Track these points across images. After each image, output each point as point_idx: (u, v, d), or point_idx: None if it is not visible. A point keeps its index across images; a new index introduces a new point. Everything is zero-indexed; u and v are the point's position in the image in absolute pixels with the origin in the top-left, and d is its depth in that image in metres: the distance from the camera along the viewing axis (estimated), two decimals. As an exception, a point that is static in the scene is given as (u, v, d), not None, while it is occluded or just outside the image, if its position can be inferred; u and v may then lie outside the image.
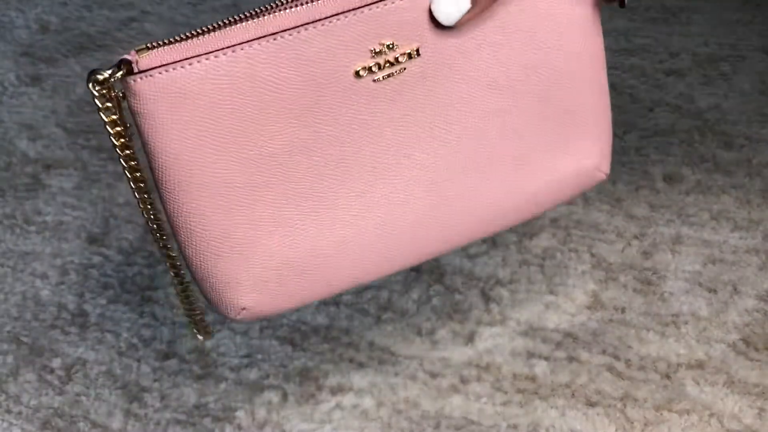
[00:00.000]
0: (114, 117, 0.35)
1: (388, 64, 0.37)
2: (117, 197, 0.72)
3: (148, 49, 0.33)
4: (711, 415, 0.51)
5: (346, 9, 0.35)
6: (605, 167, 0.44)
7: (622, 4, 0.40)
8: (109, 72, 0.33)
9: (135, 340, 0.58)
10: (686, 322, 0.57)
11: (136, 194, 0.38)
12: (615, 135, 0.75)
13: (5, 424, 0.53)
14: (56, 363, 0.57)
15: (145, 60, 0.33)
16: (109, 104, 0.35)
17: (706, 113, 0.78)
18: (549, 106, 0.41)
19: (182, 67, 0.33)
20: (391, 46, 0.36)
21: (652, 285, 0.60)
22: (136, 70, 0.33)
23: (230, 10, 1.06)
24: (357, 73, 0.36)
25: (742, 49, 0.88)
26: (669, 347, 0.55)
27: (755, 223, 0.65)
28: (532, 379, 0.54)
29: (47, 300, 0.62)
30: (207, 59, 0.34)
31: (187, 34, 0.34)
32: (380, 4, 0.36)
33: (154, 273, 0.63)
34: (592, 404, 0.52)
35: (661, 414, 0.51)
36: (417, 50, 0.37)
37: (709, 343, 0.55)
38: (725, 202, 0.67)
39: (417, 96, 0.38)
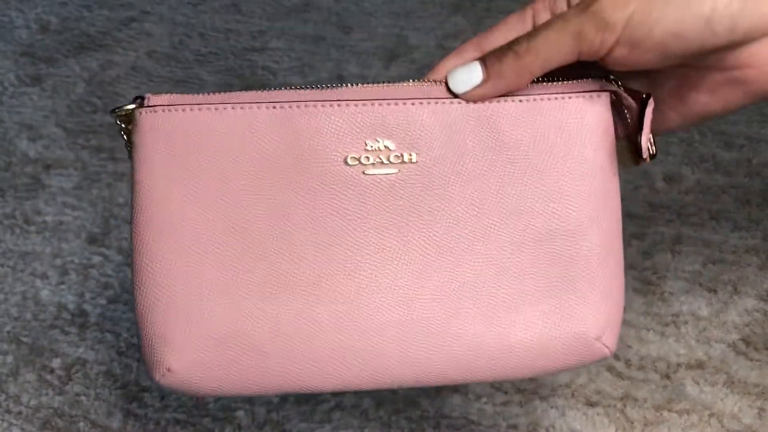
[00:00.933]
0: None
1: (380, 162, 0.36)
2: (117, 197, 0.72)
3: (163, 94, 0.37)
4: (711, 415, 0.51)
5: (350, 98, 0.36)
6: (610, 341, 0.37)
7: (640, 157, 0.37)
8: (128, 106, 0.36)
9: (135, 340, 0.58)
10: (686, 322, 0.57)
11: None
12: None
13: (5, 424, 0.53)
14: (56, 363, 0.57)
15: (155, 98, 0.36)
16: (130, 135, 0.37)
17: (706, 113, 0.78)
18: (548, 255, 0.36)
19: (183, 110, 0.36)
20: (387, 146, 0.36)
21: (652, 285, 0.60)
22: (146, 104, 0.36)
23: (230, 9, 1.06)
24: (347, 161, 0.36)
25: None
26: (669, 347, 0.55)
27: (755, 223, 0.65)
28: (532, 379, 0.54)
29: (47, 300, 0.62)
30: (208, 109, 0.35)
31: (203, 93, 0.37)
32: (387, 102, 0.36)
33: (154, 273, 0.63)
34: (592, 404, 0.52)
35: (661, 414, 0.51)
36: (413, 157, 0.36)
37: (709, 343, 0.55)
38: (725, 202, 0.67)
39: (405, 204, 0.36)
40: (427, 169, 0.36)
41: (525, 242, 0.36)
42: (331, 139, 0.36)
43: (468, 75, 0.36)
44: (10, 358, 0.57)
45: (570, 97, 0.36)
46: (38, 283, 0.63)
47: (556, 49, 0.34)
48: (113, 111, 0.36)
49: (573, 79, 0.37)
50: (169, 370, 0.36)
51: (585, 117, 0.36)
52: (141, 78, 0.92)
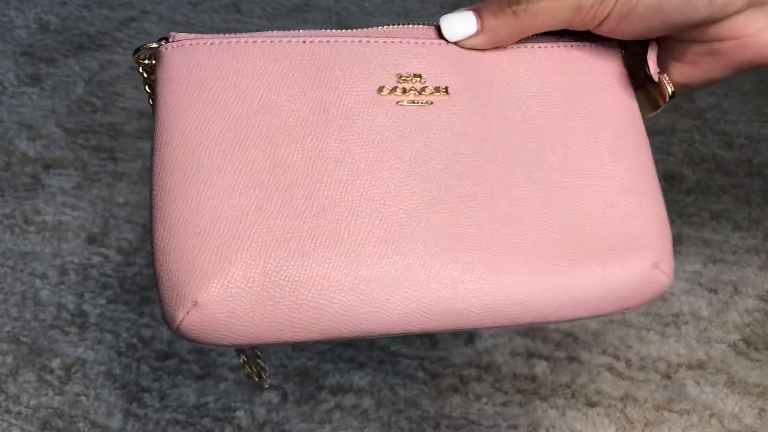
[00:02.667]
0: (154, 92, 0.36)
1: (413, 91, 0.36)
2: (117, 197, 0.72)
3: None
4: (711, 415, 0.51)
5: (378, 36, 0.36)
6: (667, 267, 0.36)
7: (655, 107, 0.39)
8: (152, 45, 0.35)
9: (135, 340, 0.58)
10: (686, 322, 0.57)
11: None
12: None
13: (5, 424, 0.53)
14: (56, 363, 0.57)
15: (181, 35, 0.35)
16: (151, 76, 0.36)
17: (706, 113, 0.78)
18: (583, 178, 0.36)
19: (212, 42, 0.35)
20: (420, 76, 0.36)
21: (652, 285, 0.60)
22: (171, 40, 0.35)
23: (230, 9, 1.06)
24: (380, 90, 0.35)
25: (742, 48, 0.87)
26: (669, 347, 0.55)
27: (755, 223, 0.64)
28: (532, 379, 0.54)
29: (47, 300, 0.62)
30: (237, 42, 0.35)
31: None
32: (418, 40, 0.36)
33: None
34: (592, 404, 0.52)
35: (662, 414, 0.51)
36: (446, 89, 0.36)
37: (710, 343, 0.55)
38: (725, 202, 0.67)
39: (442, 135, 0.35)
40: (461, 104, 0.36)
41: (566, 173, 0.36)
42: (364, 70, 0.35)
43: (461, 24, 0.36)
44: (9, 358, 0.57)
45: (588, 45, 0.38)
46: (38, 283, 0.63)
47: (553, 16, 0.36)
48: (137, 51, 0.35)
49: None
50: (195, 303, 0.32)
51: (605, 59, 0.38)
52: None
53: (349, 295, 0.33)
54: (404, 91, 0.36)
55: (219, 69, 0.35)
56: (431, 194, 0.34)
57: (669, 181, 0.69)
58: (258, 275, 0.32)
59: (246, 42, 0.35)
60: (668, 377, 0.53)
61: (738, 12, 0.35)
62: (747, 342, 0.55)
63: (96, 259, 0.65)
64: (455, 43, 0.37)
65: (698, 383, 0.53)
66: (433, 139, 0.35)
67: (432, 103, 0.36)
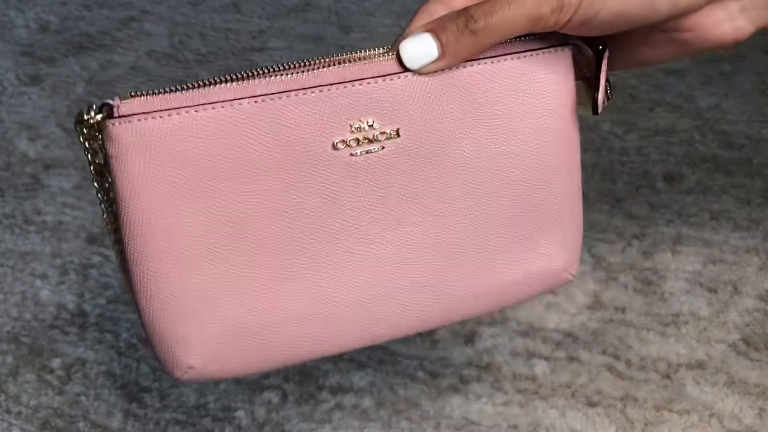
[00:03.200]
0: (97, 161, 0.36)
1: (366, 141, 0.36)
2: (117, 197, 0.72)
3: (132, 97, 0.34)
4: (711, 415, 0.51)
5: (329, 82, 0.35)
6: (573, 269, 0.43)
7: (595, 112, 0.40)
8: (92, 114, 0.34)
9: (135, 340, 0.58)
10: (686, 322, 0.57)
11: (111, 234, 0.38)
12: (615, 135, 0.75)
13: (5, 424, 0.53)
14: (56, 363, 0.57)
15: (126, 105, 0.34)
16: (93, 145, 0.35)
17: (706, 113, 0.78)
18: (521, 204, 0.40)
19: (161, 117, 0.34)
20: (371, 124, 0.36)
21: (652, 285, 0.60)
22: (116, 114, 0.34)
23: (230, 9, 1.06)
24: (334, 146, 0.36)
25: (743, 48, 0.88)
26: (669, 347, 0.55)
27: (755, 223, 0.65)
28: (532, 379, 0.54)
29: (47, 300, 0.62)
30: (187, 112, 0.34)
31: (175, 87, 0.34)
32: (366, 81, 0.36)
33: (154, 273, 0.63)
34: (592, 404, 0.52)
35: (662, 414, 0.51)
36: (397, 131, 0.37)
37: (710, 343, 0.55)
38: (725, 202, 0.67)
39: (393, 177, 0.37)
40: (410, 141, 0.37)
41: (504, 194, 0.40)
42: (318, 126, 0.36)
43: (422, 50, 0.36)
44: (9, 358, 0.57)
45: (537, 54, 0.38)
46: (38, 283, 0.63)
47: (512, 28, 0.35)
48: (78, 122, 0.34)
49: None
50: (190, 367, 0.37)
51: (550, 73, 0.39)
52: (141, 78, 0.92)
53: (320, 324, 0.39)
54: (357, 141, 0.36)
55: (173, 147, 0.34)
56: (387, 235, 0.38)
57: (669, 181, 0.69)
58: (233, 329, 0.37)
59: (197, 111, 0.34)
60: (668, 377, 0.53)
61: (699, 9, 0.37)
62: (747, 342, 0.55)
63: (96, 259, 0.65)
64: (416, 71, 0.36)
65: (698, 383, 0.53)
66: (386, 183, 0.37)
67: (384, 147, 0.37)
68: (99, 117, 0.33)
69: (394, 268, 0.39)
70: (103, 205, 0.37)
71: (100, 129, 0.34)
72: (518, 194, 0.40)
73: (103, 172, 0.36)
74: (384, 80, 0.36)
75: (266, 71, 0.35)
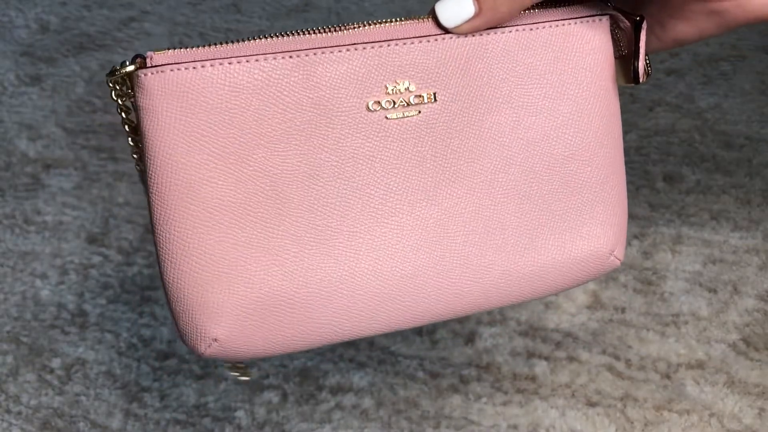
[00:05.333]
0: (130, 117, 0.35)
1: (402, 105, 0.35)
2: (117, 197, 0.72)
3: (167, 51, 0.34)
4: (711, 415, 0.51)
5: (365, 41, 0.35)
6: (620, 253, 0.40)
7: (636, 81, 0.38)
8: (125, 67, 0.33)
9: (135, 340, 0.58)
10: (686, 322, 0.57)
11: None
12: (615, 135, 0.75)
13: (5, 424, 0.53)
14: (56, 363, 0.57)
15: (159, 57, 0.33)
16: (126, 102, 0.34)
17: (706, 113, 0.78)
18: (564, 180, 0.38)
19: (194, 68, 0.33)
20: (407, 86, 0.35)
21: (652, 285, 0.60)
22: (148, 65, 0.33)
23: (230, 9, 1.06)
24: (369, 107, 0.35)
25: (743, 48, 0.88)
26: (669, 347, 0.55)
27: (755, 223, 0.65)
28: (532, 379, 0.54)
29: (47, 300, 0.62)
30: (221, 64, 0.33)
31: (208, 44, 0.34)
32: (402, 42, 0.35)
33: (154, 273, 0.63)
34: (592, 404, 0.52)
35: (661, 414, 0.51)
36: (434, 96, 0.36)
37: (709, 343, 0.55)
38: (725, 202, 0.67)
39: (429, 144, 0.36)
40: (447, 106, 0.36)
41: (542, 169, 0.38)
42: (352, 86, 0.35)
43: (458, 8, 0.35)
44: (9, 358, 0.57)
45: (575, 23, 0.37)
46: (38, 283, 0.63)
47: None
48: (111, 73, 0.33)
49: (570, 4, 0.37)
50: (215, 340, 0.35)
51: (590, 42, 0.37)
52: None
53: (347, 296, 0.36)
54: (393, 104, 0.35)
55: (205, 99, 0.33)
56: (423, 204, 0.36)
57: (669, 181, 0.69)
58: (261, 298, 0.35)
59: (231, 63, 0.33)
60: (668, 377, 0.53)
61: None
62: (747, 342, 0.55)
63: (96, 259, 0.65)
64: (453, 30, 0.35)
65: (698, 383, 0.53)
66: (421, 150, 0.36)
67: (420, 112, 0.36)
68: (131, 68, 0.33)
69: (430, 241, 0.37)
70: (138, 166, 0.36)
71: (132, 82, 0.33)
72: (560, 170, 0.38)
73: (137, 130, 0.35)
74: (421, 41, 0.35)
75: (301, 31, 0.35)
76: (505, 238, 0.38)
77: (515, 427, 0.51)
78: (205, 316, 0.35)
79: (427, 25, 0.36)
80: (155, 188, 0.34)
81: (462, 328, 0.57)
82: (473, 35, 0.36)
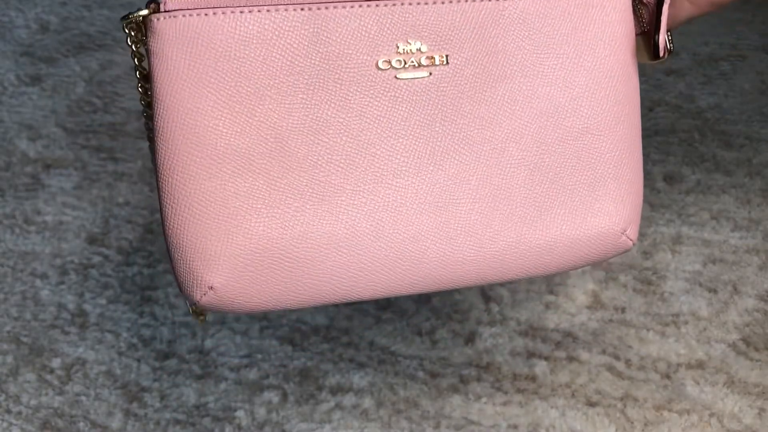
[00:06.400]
0: (144, 65, 0.35)
1: (413, 66, 0.35)
2: (117, 197, 0.72)
3: None
4: (711, 415, 0.51)
5: None
6: (633, 233, 0.39)
7: (657, 56, 0.38)
8: (141, 12, 0.34)
9: (135, 340, 0.58)
10: (686, 322, 0.57)
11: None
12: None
13: (5, 424, 0.53)
14: (56, 363, 0.57)
15: (172, 2, 0.33)
16: (141, 49, 0.35)
17: (706, 113, 0.78)
18: (577, 153, 0.37)
19: (206, 14, 0.33)
20: (419, 47, 0.35)
21: (652, 285, 0.60)
22: (162, 9, 0.33)
23: (230, 9, 1.06)
24: (379, 65, 0.35)
25: (743, 48, 0.88)
26: (669, 347, 0.55)
27: (755, 223, 0.64)
28: (532, 379, 0.54)
29: (47, 300, 0.62)
30: (233, 12, 0.33)
31: None
32: (421, 1, 0.34)
33: (154, 273, 0.63)
34: (592, 404, 0.52)
35: (661, 414, 0.51)
36: (446, 59, 0.35)
37: (709, 343, 0.55)
38: (725, 201, 0.67)
39: (439, 107, 0.35)
40: (459, 70, 0.35)
41: (554, 142, 0.37)
42: (363, 43, 0.34)
43: None
44: (9, 358, 0.57)
45: None
46: (38, 283, 0.63)
47: None
48: (125, 17, 0.34)
49: None
50: (211, 288, 0.35)
51: (610, 14, 0.36)
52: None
53: (345, 254, 0.36)
54: (403, 63, 0.35)
55: (215, 46, 0.33)
56: (429, 168, 0.36)
57: (669, 181, 0.69)
58: (261, 249, 0.35)
59: (242, 12, 0.33)
60: (668, 377, 0.53)
61: None
62: (747, 342, 0.55)
63: (96, 259, 0.65)
64: None
65: (698, 383, 0.53)
66: (431, 113, 0.35)
67: (431, 74, 0.35)
68: (144, 12, 0.33)
69: (435, 205, 0.36)
70: (145, 113, 0.36)
71: (146, 27, 0.34)
72: (573, 143, 0.37)
73: (148, 78, 0.35)
74: (436, 2, 0.35)
75: None
76: (513, 208, 0.37)
77: (515, 427, 0.51)
78: (202, 264, 0.34)
79: None
80: (161, 133, 0.34)
81: (462, 328, 0.57)
82: None
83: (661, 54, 0.38)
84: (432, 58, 0.35)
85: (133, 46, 0.35)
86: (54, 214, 0.70)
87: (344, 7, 0.34)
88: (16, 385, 0.55)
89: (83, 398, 0.54)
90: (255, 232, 0.35)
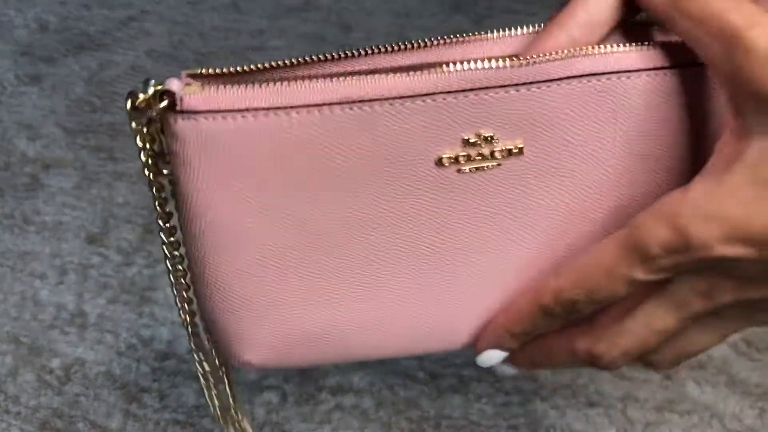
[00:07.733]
0: (154, 148, 0.30)
1: (480, 158, 0.30)
2: (116, 197, 0.72)
3: (201, 76, 0.29)
4: (712, 415, 0.51)
5: (445, 90, 0.28)
6: None
7: None
8: (149, 96, 0.28)
9: (134, 341, 0.58)
10: (687, 322, 0.57)
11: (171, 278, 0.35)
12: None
13: (4, 425, 0.53)
14: (55, 363, 0.57)
15: (191, 100, 0.28)
16: (151, 130, 0.30)
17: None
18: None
19: (233, 118, 0.28)
20: (489, 138, 0.30)
21: (652, 285, 0.60)
22: (179, 108, 0.28)
23: (230, 9, 1.06)
24: (440, 161, 0.30)
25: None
26: (670, 347, 0.55)
27: (756, 223, 0.64)
28: (532, 379, 0.54)
29: (46, 300, 0.62)
30: (265, 116, 0.28)
31: (248, 67, 0.29)
32: (490, 91, 0.29)
33: (154, 273, 0.63)
34: (592, 404, 0.52)
35: (662, 414, 0.51)
36: (521, 148, 0.30)
37: (710, 344, 0.55)
38: (726, 201, 0.67)
39: (504, 197, 0.32)
40: (528, 162, 0.31)
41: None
42: (422, 140, 0.29)
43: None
44: (9, 358, 0.57)
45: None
46: (37, 283, 0.63)
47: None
48: (132, 110, 0.29)
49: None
50: (248, 363, 0.36)
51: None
52: (140, 77, 0.91)
53: (382, 331, 0.35)
54: (468, 158, 0.30)
55: (247, 152, 0.29)
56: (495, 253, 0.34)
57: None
58: (297, 335, 0.35)
59: (276, 115, 0.28)
60: (668, 377, 0.53)
61: None
62: (748, 342, 0.55)
63: (96, 259, 0.65)
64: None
65: (699, 383, 0.53)
66: (496, 203, 0.32)
67: (500, 165, 0.31)
68: (161, 105, 0.28)
69: (491, 290, 0.34)
70: (154, 190, 0.31)
71: (162, 119, 0.29)
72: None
73: (157, 160, 0.31)
74: (508, 91, 0.29)
75: (361, 52, 0.30)
76: None
77: (515, 427, 0.51)
78: (239, 346, 0.35)
79: (517, 71, 0.28)
80: (191, 235, 0.31)
81: (462, 329, 0.57)
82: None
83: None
84: (505, 150, 0.30)
85: (147, 144, 0.30)
86: (53, 214, 0.70)
87: (402, 104, 0.29)
88: (15, 386, 0.55)
89: (82, 398, 0.54)
90: (292, 323, 0.34)
